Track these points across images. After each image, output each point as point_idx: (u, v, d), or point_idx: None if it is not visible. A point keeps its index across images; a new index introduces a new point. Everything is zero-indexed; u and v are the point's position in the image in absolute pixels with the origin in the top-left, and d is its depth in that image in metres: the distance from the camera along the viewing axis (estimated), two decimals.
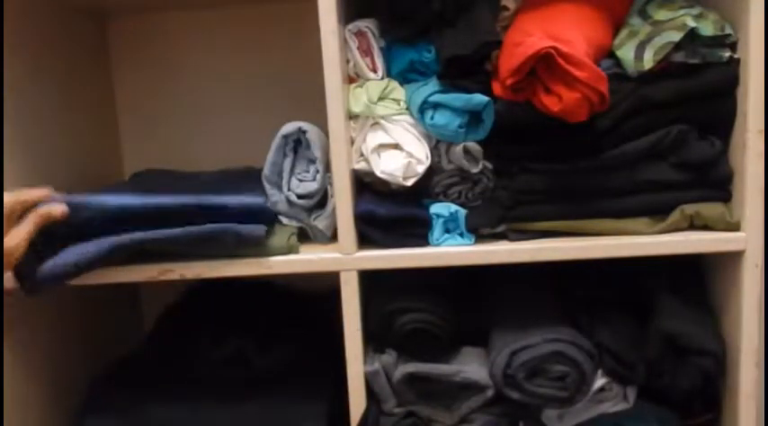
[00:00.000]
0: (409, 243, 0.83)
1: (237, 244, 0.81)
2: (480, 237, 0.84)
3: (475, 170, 0.82)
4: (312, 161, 0.87)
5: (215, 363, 0.99)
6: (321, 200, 0.88)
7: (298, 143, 0.87)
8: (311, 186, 0.87)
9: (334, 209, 0.84)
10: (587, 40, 0.76)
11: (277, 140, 0.86)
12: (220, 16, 1.18)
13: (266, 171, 0.88)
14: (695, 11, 0.79)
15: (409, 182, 0.81)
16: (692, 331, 0.81)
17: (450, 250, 0.83)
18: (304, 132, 0.86)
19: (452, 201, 0.84)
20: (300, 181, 0.87)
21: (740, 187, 0.80)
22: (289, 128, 0.86)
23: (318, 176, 0.86)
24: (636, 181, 0.81)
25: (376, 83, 0.83)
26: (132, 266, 0.84)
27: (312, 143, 0.86)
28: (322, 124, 0.81)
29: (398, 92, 0.84)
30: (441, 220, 0.83)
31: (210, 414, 0.90)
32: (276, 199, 0.88)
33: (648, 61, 0.78)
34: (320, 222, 0.88)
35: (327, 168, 0.88)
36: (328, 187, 0.87)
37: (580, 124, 0.76)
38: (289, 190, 0.87)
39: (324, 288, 0.94)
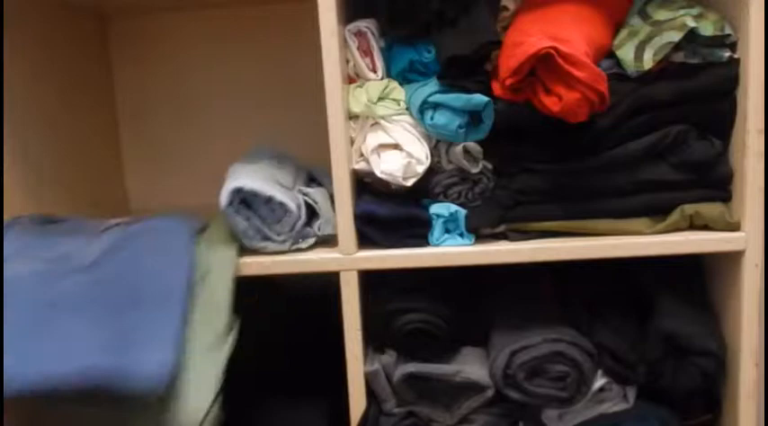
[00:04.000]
0: (409, 243, 0.84)
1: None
2: (480, 237, 0.85)
3: (475, 170, 0.82)
4: (269, 200, 0.83)
5: None
6: (309, 211, 0.86)
7: (245, 201, 0.83)
8: (289, 220, 0.84)
9: (328, 209, 0.84)
10: (587, 40, 0.76)
11: (228, 213, 0.81)
12: (220, 17, 1.18)
13: (244, 239, 0.83)
14: (695, 11, 0.79)
15: (409, 182, 0.81)
16: (691, 331, 0.81)
17: (450, 250, 0.83)
18: (239, 191, 0.81)
19: (452, 201, 0.84)
20: (278, 222, 0.84)
21: (740, 187, 0.80)
22: (224, 198, 0.81)
23: (286, 205, 0.83)
24: (636, 182, 0.81)
25: (376, 83, 0.83)
26: None
27: (256, 192, 0.81)
28: (322, 124, 0.81)
29: (398, 92, 0.84)
30: (441, 220, 0.83)
31: None
32: (278, 247, 0.85)
33: (648, 61, 0.78)
34: (326, 229, 0.86)
35: (295, 179, 0.88)
36: (304, 197, 0.85)
37: (580, 124, 0.76)
38: (278, 236, 0.84)
39: (324, 289, 0.94)
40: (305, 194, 0.86)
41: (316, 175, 0.95)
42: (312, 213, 0.87)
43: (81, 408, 0.65)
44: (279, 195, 0.83)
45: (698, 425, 0.87)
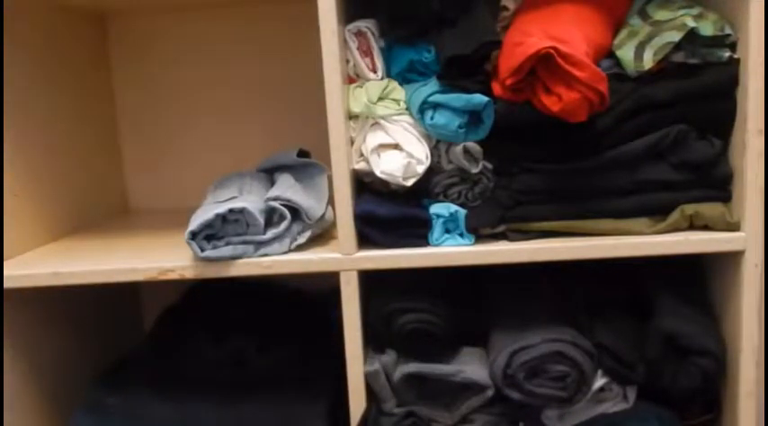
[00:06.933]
0: (409, 243, 0.83)
1: None
2: (480, 237, 0.84)
3: (475, 170, 0.82)
4: (238, 211, 0.82)
5: (215, 363, 0.99)
6: (292, 211, 0.85)
7: (209, 236, 0.83)
8: (271, 230, 0.84)
9: (303, 197, 0.84)
10: (587, 40, 0.76)
11: (210, 256, 0.82)
12: (220, 17, 1.18)
13: (244, 258, 0.84)
14: (695, 11, 0.79)
15: (409, 183, 0.81)
16: (691, 331, 0.81)
17: (450, 250, 0.83)
18: (194, 234, 0.81)
19: (452, 201, 0.84)
20: (252, 225, 0.83)
21: (740, 187, 0.80)
22: (195, 249, 0.81)
23: (253, 215, 0.82)
24: (636, 181, 0.81)
25: (376, 83, 0.83)
26: (132, 266, 0.84)
27: (208, 222, 0.81)
28: (322, 124, 0.81)
29: (398, 92, 0.84)
30: (441, 220, 0.83)
31: (210, 415, 0.90)
32: (277, 249, 0.85)
33: (648, 61, 0.78)
34: (315, 214, 0.86)
35: (259, 185, 0.89)
36: (275, 203, 0.84)
37: (580, 124, 0.76)
38: (264, 235, 0.84)
39: (324, 289, 0.94)
40: (273, 199, 0.84)
41: (273, 168, 0.95)
42: (295, 212, 0.85)
43: None
44: (226, 206, 0.81)
45: (698, 425, 0.87)
